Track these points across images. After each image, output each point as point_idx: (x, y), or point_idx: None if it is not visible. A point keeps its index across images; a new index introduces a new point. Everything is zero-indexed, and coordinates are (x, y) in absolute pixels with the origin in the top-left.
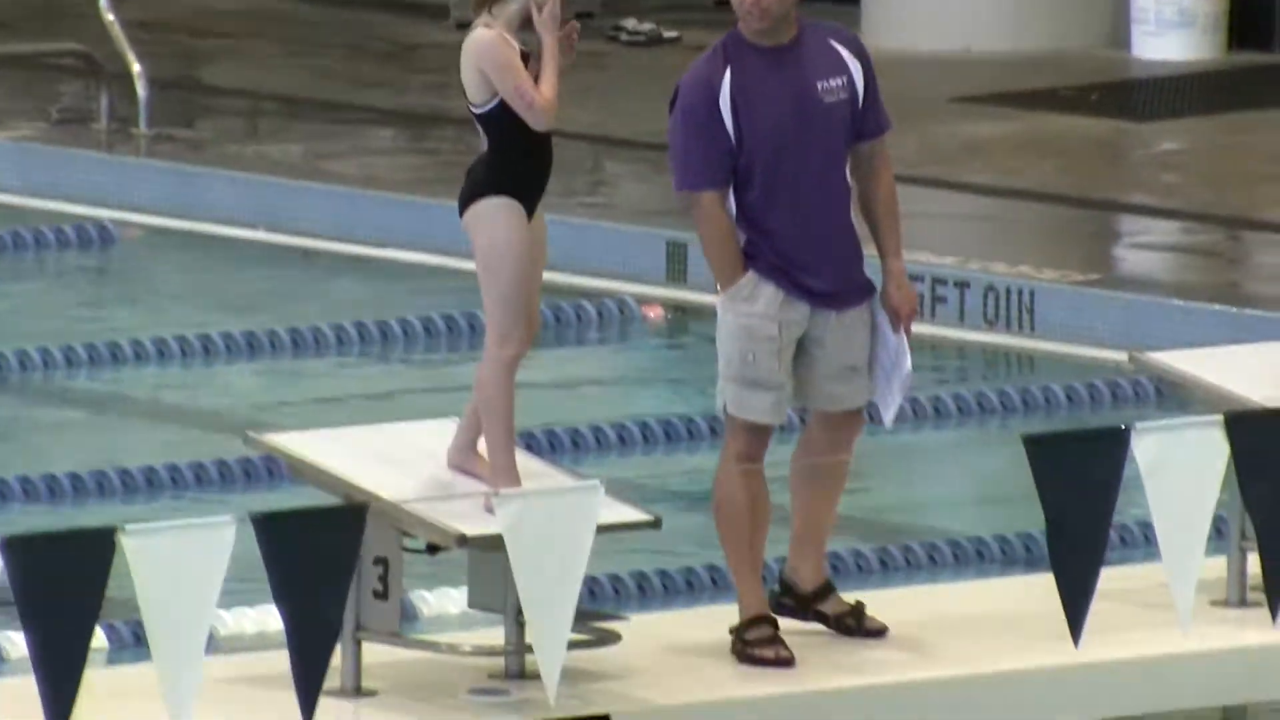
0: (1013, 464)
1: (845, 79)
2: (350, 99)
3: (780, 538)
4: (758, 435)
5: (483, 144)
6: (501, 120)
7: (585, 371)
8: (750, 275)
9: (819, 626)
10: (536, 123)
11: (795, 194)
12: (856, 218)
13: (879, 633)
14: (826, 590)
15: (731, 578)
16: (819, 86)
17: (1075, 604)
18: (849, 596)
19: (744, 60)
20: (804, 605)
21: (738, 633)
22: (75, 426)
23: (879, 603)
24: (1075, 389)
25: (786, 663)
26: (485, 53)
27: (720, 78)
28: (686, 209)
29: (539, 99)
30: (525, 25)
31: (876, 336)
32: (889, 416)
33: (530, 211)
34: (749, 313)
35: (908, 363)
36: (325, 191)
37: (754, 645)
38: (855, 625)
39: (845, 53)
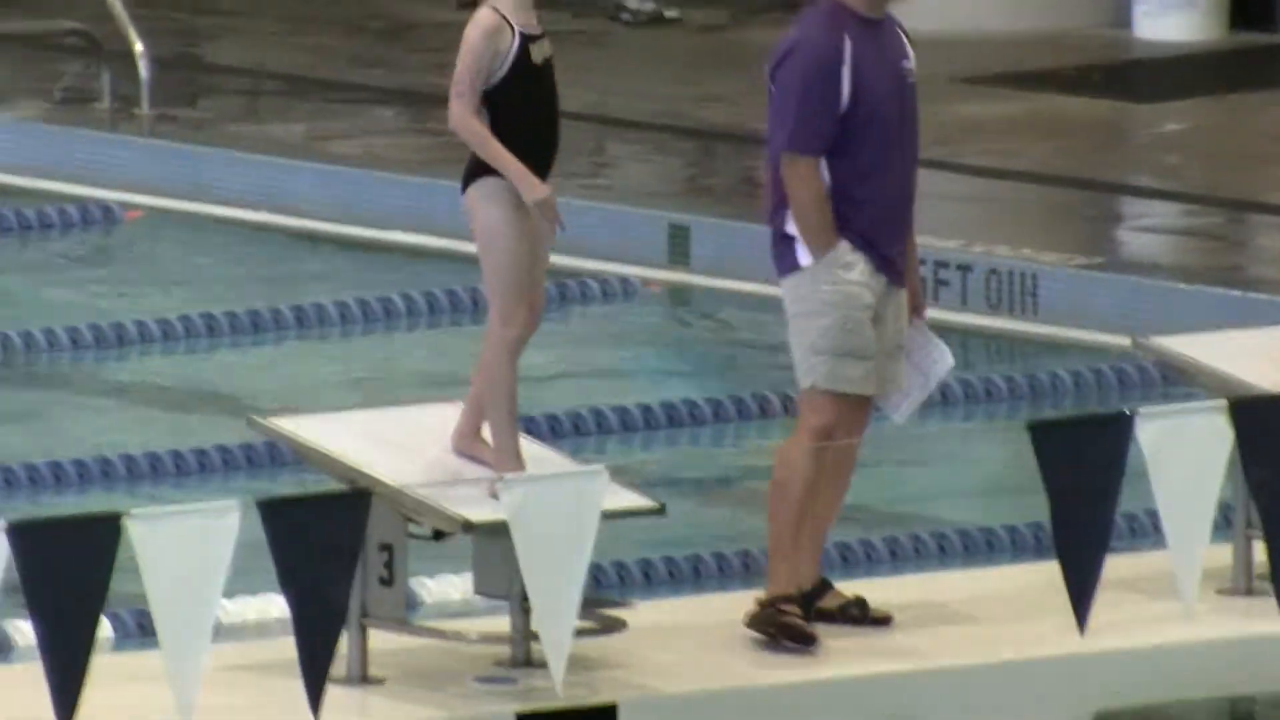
0: (1020, 451)
1: (913, 63)
2: (352, 78)
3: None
4: (846, 410)
5: (485, 123)
6: (500, 100)
7: (588, 353)
8: (845, 243)
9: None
10: (454, 116)
11: (889, 166)
12: None
13: (885, 621)
14: (825, 587)
15: (772, 551)
16: (904, 64)
17: (1081, 592)
18: (848, 590)
19: (855, 30)
20: (804, 605)
21: (769, 604)
22: (81, 408)
23: (888, 591)
24: (1081, 374)
25: (813, 639)
26: (467, 33)
27: (843, 45)
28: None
29: (457, 104)
30: (540, 3)
31: (913, 325)
32: (905, 412)
33: None
34: (848, 279)
35: (949, 358)
36: (327, 171)
37: (788, 615)
38: (860, 615)
39: (905, 41)
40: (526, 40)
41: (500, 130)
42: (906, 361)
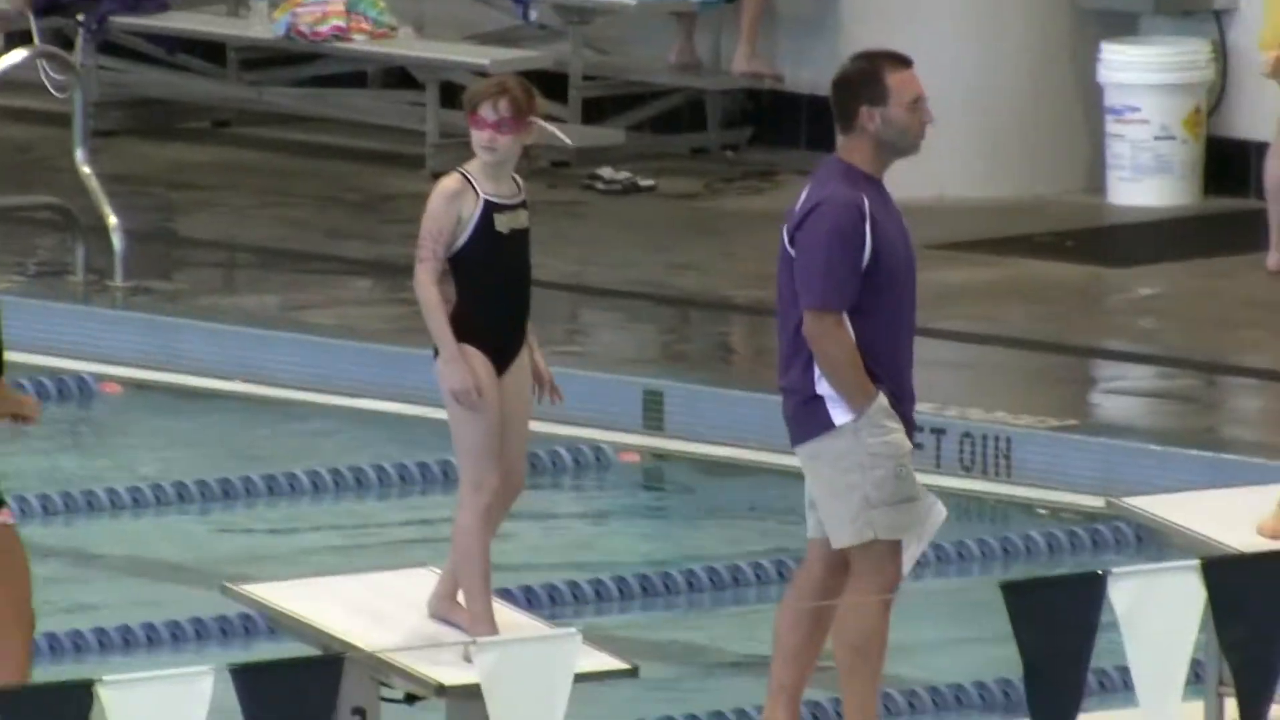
0: (991, 610)
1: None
2: (325, 249)
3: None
4: (897, 556)
5: (453, 292)
6: (464, 266)
7: (562, 520)
8: (881, 395)
9: None
10: (416, 280)
11: (904, 323)
12: None
13: None
14: None
15: (859, 716)
16: (903, 223)
17: None
18: None
19: (867, 189)
20: None
21: None
22: (51, 579)
23: None
24: (1055, 535)
25: None
26: (430, 197)
27: (863, 202)
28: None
29: (419, 269)
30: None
31: None
32: (907, 564)
33: (502, 361)
34: (893, 428)
35: (941, 507)
36: (301, 341)
37: None
38: None
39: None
40: (491, 208)
41: (465, 296)
42: None
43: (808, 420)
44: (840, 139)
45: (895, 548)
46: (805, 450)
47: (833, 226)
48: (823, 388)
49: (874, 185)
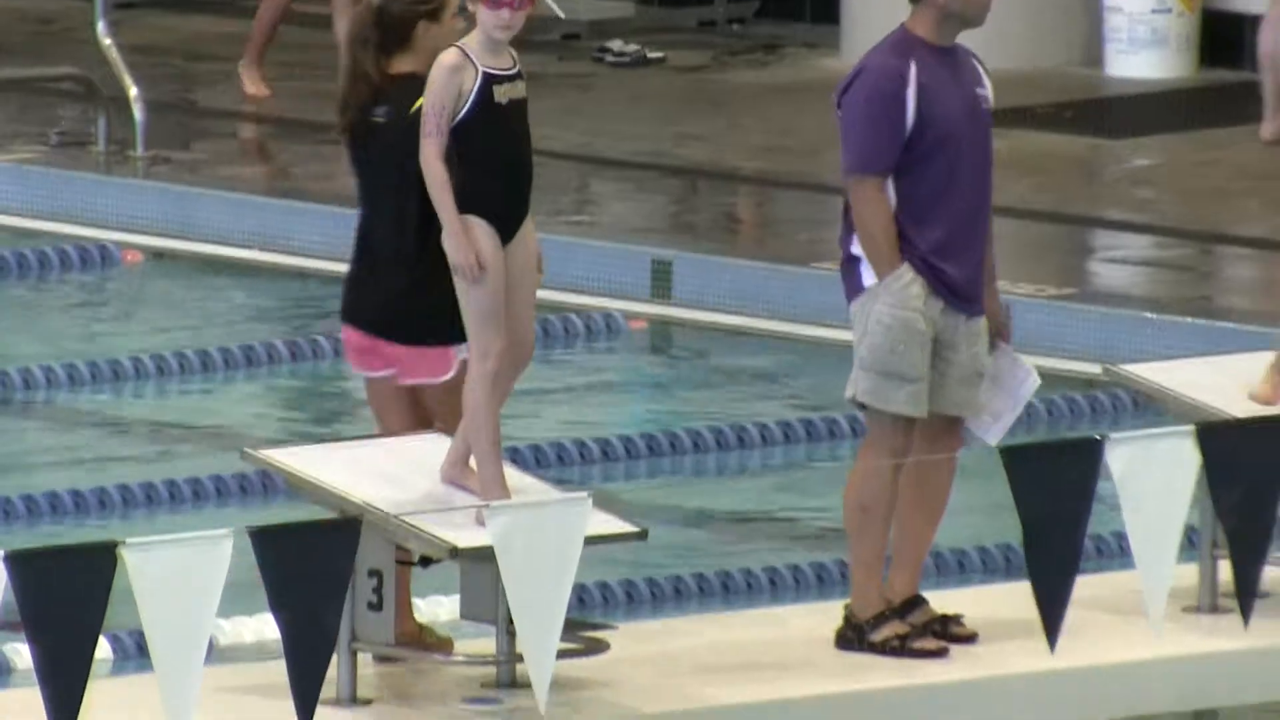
0: (991, 476)
1: (989, 92)
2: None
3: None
4: (905, 429)
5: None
6: (465, 137)
7: (570, 385)
8: (906, 265)
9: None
10: (422, 155)
11: (958, 190)
12: None
13: (969, 639)
14: (917, 601)
15: (855, 573)
16: (978, 92)
17: (1051, 610)
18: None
19: (924, 57)
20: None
21: (871, 626)
22: (77, 444)
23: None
24: (1054, 402)
25: (944, 651)
26: (431, 71)
27: (908, 69)
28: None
29: (425, 144)
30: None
31: (999, 350)
32: (997, 434)
33: (507, 230)
34: (904, 305)
35: (1035, 377)
36: (320, 211)
37: (910, 639)
38: (941, 631)
39: (981, 69)
40: (490, 80)
41: (468, 167)
42: (995, 385)
43: (846, 280)
44: (911, 9)
45: (901, 421)
46: (850, 309)
47: (870, 93)
48: (857, 249)
49: (938, 54)
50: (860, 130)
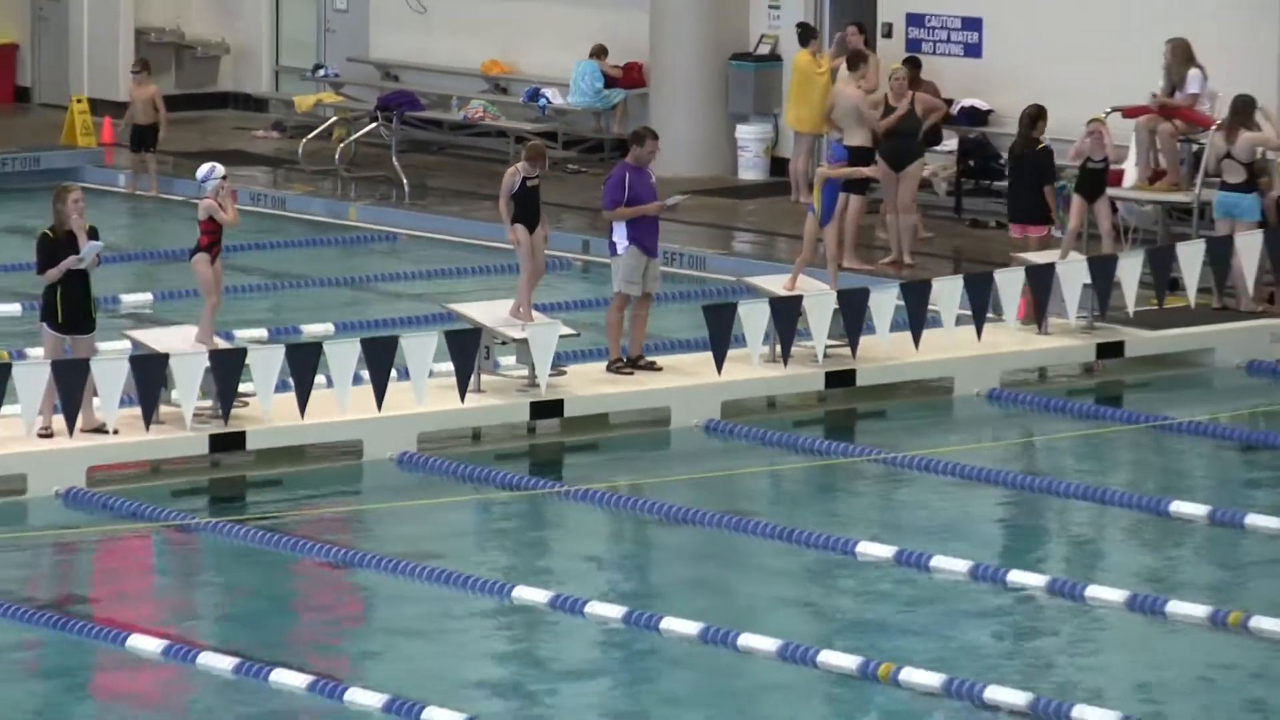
0: None
1: None
2: None
3: None
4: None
5: None
6: (515, 203)
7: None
8: None
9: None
10: (500, 203)
11: None
12: None
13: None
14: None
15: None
16: None
17: None
18: None
19: None
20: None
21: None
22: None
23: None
24: None
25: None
26: (504, 176)
27: None
28: None
29: (501, 202)
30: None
31: None
32: None
33: (531, 228)
34: None
35: None
36: None
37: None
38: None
39: None
40: (526, 179)
41: (517, 211)
42: None
43: None
44: None
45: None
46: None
47: None
48: None
49: None
50: None
